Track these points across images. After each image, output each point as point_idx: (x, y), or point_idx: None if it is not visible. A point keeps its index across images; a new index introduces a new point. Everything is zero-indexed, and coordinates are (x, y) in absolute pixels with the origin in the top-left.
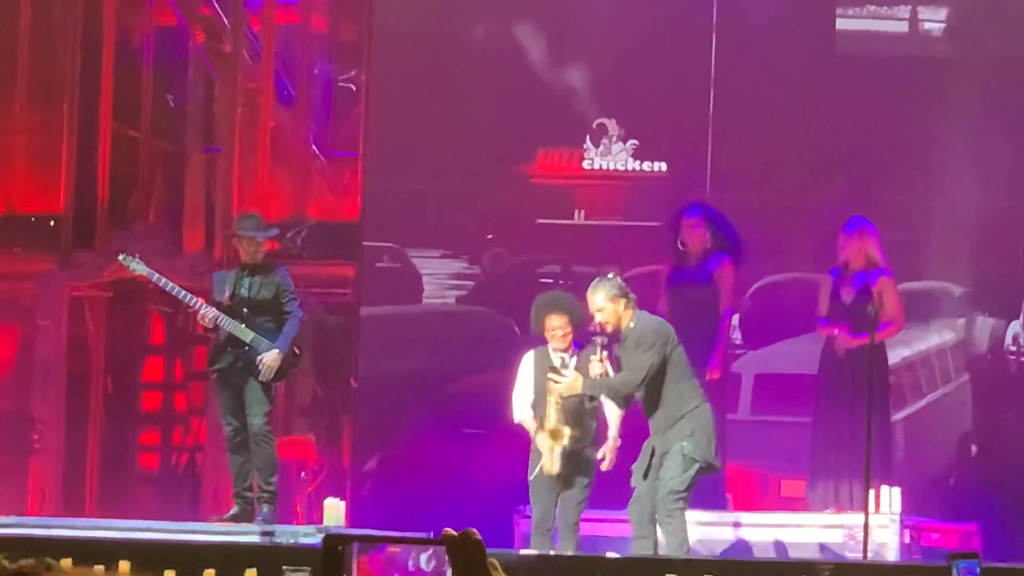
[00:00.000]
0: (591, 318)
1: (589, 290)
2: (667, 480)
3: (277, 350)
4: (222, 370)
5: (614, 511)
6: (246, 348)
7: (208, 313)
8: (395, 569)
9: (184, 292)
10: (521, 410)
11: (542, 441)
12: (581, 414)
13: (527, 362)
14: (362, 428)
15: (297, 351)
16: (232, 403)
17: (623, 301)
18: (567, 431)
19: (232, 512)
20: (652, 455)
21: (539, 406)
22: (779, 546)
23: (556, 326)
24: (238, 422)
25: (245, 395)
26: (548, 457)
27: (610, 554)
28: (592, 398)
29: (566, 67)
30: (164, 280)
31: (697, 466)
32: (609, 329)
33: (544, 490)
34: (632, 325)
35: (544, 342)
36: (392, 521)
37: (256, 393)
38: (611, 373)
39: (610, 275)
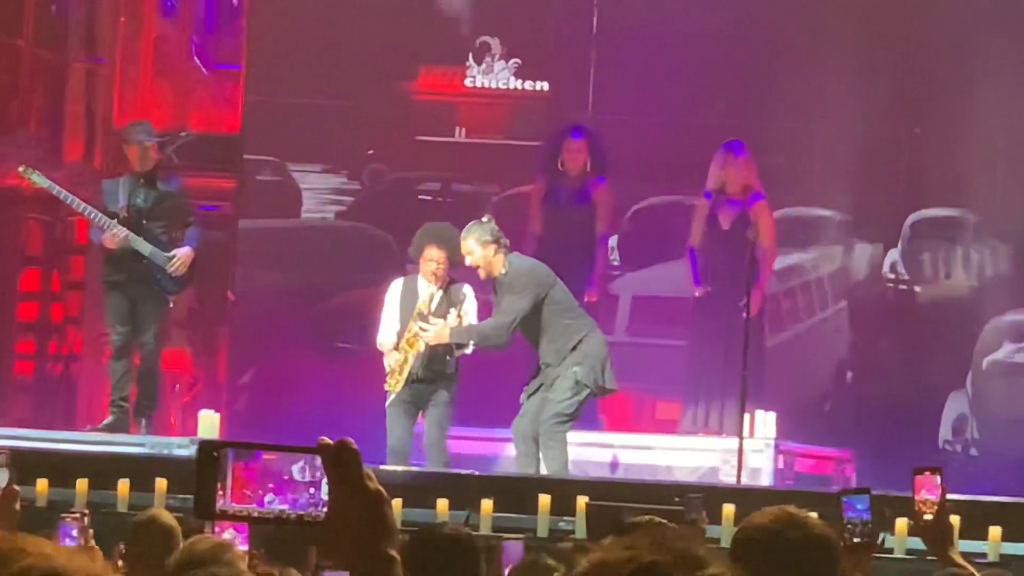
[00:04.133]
0: (462, 260)
1: (462, 233)
2: (555, 402)
3: (189, 247)
4: (117, 281)
5: (486, 429)
6: (143, 261)
7: (119, 233)
8: (270, 478)
9: (87, 207)
10: (384, 336)
11: (393, 358)
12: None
13: (394, 290)
14: (238, 341)
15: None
16: (123, 312)
17: (493, 247)
18: (422, 344)
19: (107, 421)
20: (541, 379)
21: (402, 334)
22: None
23: (434, 257)
24: (126, 330)
25: (139, 309)
26: (400, 372)
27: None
28: (460, 345)
29: None
30: (65, 193)
31: (588, 391)
32: (482, 275)
33: (400, 417)
34: (504, 271)
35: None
36: (266, 434)
37: (150, 308)
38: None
39: (484, 219)
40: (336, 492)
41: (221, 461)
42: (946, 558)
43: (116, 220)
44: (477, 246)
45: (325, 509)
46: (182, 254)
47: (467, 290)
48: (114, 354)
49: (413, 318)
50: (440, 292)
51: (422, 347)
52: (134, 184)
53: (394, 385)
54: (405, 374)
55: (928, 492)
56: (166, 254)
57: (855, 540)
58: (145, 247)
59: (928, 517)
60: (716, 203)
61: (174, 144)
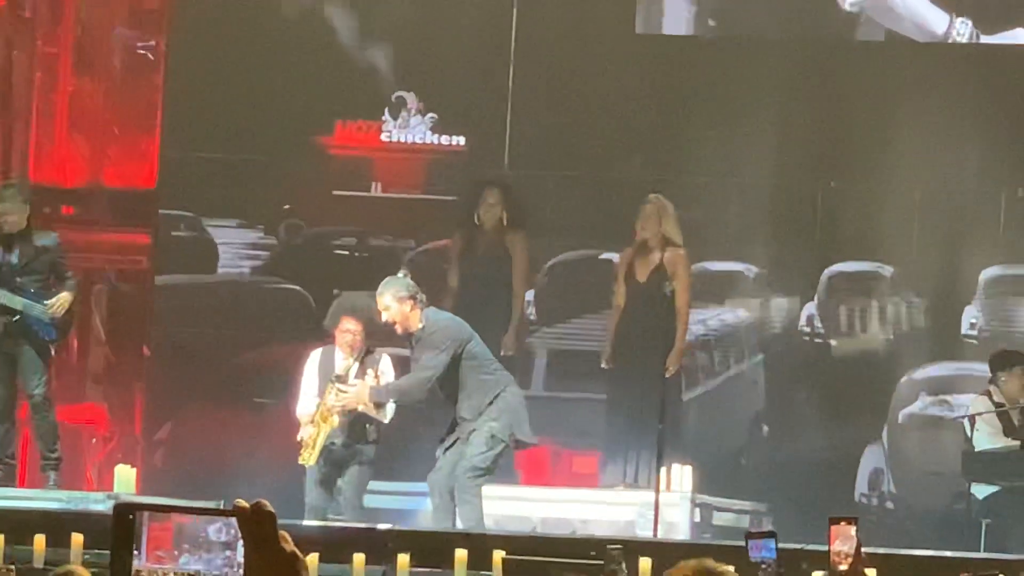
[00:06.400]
0: (378, 315)
1: (379, 289)
2: (471, 456)
3: (68, 292)
4: None
5: (403, 484)
6: (17, 318)
7: None
8: (186, 539)
9: None
10: (303, 407)
11: (307, 432)
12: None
13: (312, 361)
14: (154, 396)
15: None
16: (2, 371)
17: (410, 303)
18: (336, 419)
19: None
20: (457, 434)
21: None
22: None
23: (349, 329)
24: (5, 390)
25: (20, 364)
26: (313, 447)
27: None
28: (379, 405)
29: (366, 39)
30: None
31: (503, 446)
32: (399, 331)
33: (319, 476)
34: (422, 326)
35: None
36: (183, 489)
37: (33, 362)
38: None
39: (400, 274)
40: (252, 554)
41: (136, 523)
42: None
43: None
44: (394, 302)
45: (241, 572)
46: (60, 297)
47: (383, 356)
48: None
49: (328, 390)
50: (356, 364)
51: (336, 422)
52: (8, 241)
53: (307, 458)
54: (319, 448)
55: (843, 543)
56: (42, 303)
57: None
58: (16, 302)
59: (843, 568)
60: (635, 256)
61: (89, 200)
